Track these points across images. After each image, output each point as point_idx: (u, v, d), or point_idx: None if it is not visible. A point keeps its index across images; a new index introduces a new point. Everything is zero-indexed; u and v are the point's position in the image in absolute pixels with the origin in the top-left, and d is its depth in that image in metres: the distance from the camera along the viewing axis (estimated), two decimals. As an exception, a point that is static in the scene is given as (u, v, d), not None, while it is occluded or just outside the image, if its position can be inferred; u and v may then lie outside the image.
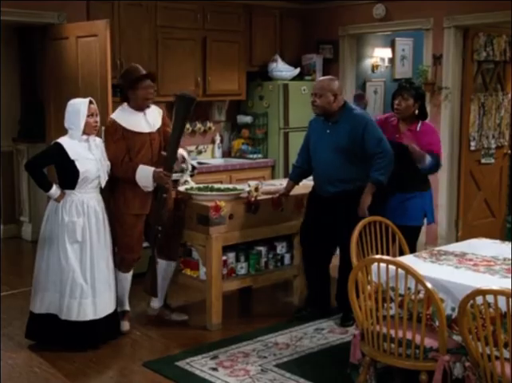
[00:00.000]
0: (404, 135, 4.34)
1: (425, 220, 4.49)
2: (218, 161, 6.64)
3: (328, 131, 4.34)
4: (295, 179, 4.63)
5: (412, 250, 4.08)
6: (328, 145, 4.31)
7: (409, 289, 2.97)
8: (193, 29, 6.20)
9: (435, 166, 4.34)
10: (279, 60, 6.72)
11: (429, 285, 2.81)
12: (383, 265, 2.94)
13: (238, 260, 4.58)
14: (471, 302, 2.62)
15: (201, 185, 4.71)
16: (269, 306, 4.98)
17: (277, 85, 6.64)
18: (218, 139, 6.82)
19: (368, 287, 3.13)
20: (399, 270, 2.92)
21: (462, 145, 6.31)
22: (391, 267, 2.96)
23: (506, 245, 3.78)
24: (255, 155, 6.69)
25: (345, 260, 4.45)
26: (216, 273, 4.35)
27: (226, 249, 4.44)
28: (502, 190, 6.93)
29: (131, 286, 4.41)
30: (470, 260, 3.39)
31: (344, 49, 6.97)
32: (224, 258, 4.45)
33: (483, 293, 2.56)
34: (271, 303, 5.06)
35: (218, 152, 6.81)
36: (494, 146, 6.62)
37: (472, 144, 6.36)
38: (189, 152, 6.54)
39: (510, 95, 6.75)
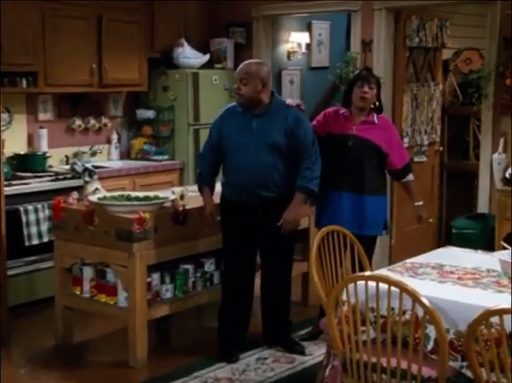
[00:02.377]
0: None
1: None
2: (116, 164, 6.37)
3: (254, 125, 4.19)
4: (211, 185, 4.41)
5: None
6: (258, 142, 4.17)
7: (393, 309, 2.91)
8: (85, 6, 5.90)
9: None
10: (185, 44, 6.57)
11: (427, 302, 2.76)
12: (371, 283, 2.86)
13: (163, 282, 4.43)
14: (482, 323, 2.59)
15: (115, 194, 4.46)
16: (196, 334, 4.88)
17: (184, 74, 6.49)
18: (114, 138, 6.55)
19: (344, 308, 3.04)
20: (383, 288, 2.84)
21: (395, 142, 6.43)
22: (373, 285, 2.88)
23: (480, 254, 3.89)
24: (160, 157, 6.52)
25: (283, 282, 4.41)
26: (141, 298, 4.20)
27: (149, 269, 4.28)
28: (434, 191, 7.14)
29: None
30: (452, 273, 3.42)
31: (258, 32, 6.94)
32: (148, 279, 4.25)
33: (499, 313, 2.53)
34: (198, 330, 4.96)
35: (115, 153, 6.55)
36: (426, 142, 6.80)
37: (405, 140, 6.49)
38: (82, 154, 6.24)
39: (441, 85, 6.96)
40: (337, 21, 7.92)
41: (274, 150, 4.17)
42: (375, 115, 4.44)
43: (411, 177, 4.53)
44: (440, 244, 7.09)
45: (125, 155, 6.67)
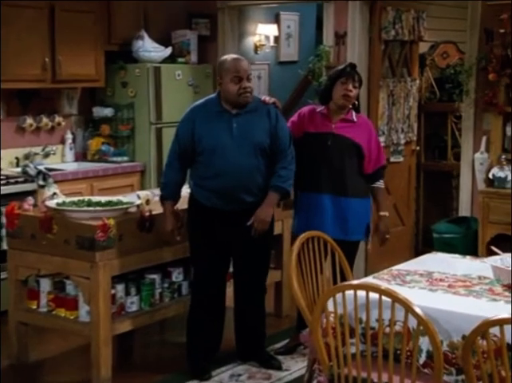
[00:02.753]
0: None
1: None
2: (71, 166, 6.28)
3: (234, 125, 4.15)
4: (176, 198, 4.31)
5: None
6: (241, 143, 4.13)
7: (381, 320, 2.90)
8: (37, -5, 5.80)
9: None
10: (146, 37, 6.51)
11: (421, 313, 2.75)
12: (360, 293, 2.85)
13: (128, 293, 4.38)
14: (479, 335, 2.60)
15: (75, 199, 4.39)
16: (163, 349, 4.84)
17: (145, 69, 6.43)
18: (69, 138, 6.45)
19: (326, 320, 3.03)
20: (371, 297, 2.83)
21: (371, 141, 6.46)
22: (362, 295, 2.87)
23: (469, 259, 3.92)
24: (119, 158, 6.45)
25: (259, 292, 4.39)
26: (104, 312, 4.13)
27: (112, 280, 4.22)
28: (411, 193, 7.18)
29: None
30: (442, 280, 3.44)
31: (223, 24, 6.93)
32: (112, 291, 4.21)
33: (499, 323, 2.54)
34: (164, 345, 4.93)
35: (69, 155, 6.45)
36: (403, 142, 6.84)
37: (381, 139, 6.50)
38: (34, 155, 6.13)
39: (417, 81, 7.00)
40: (306, 13, 7.94)
41: (258, 151, 4.15)
42: (353, 113, 4.44)
43: (380, 184, 4.51)
44: (418, 249, 7.17)
45: (81, 156, 6.56)
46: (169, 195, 4.26)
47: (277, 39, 7.79)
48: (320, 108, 4.47)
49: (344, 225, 4.34)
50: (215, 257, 4.24)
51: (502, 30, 5.40)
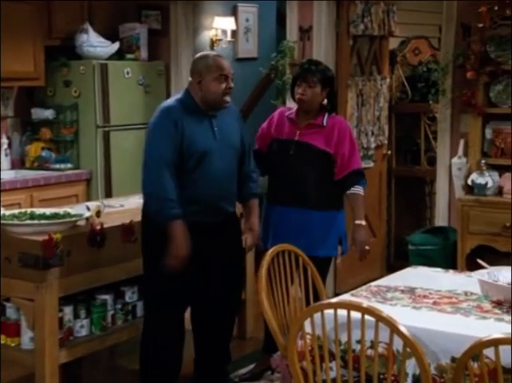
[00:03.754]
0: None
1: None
2: (7, 174, 6.20)
3: (215, 128, 4.12)
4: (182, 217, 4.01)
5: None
6: (222, 147, 4.11)
7: (358, 342, 2.92)
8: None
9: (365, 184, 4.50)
10: (90, 30, 6.48)
11: (407, 333, 2.77)
12: (340, 311, 2.85)
13: (76, 316, 4.34)
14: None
15: (15, 211, 4.34)
16: (112, 377, 4.86)
17: (90, 66, 6.40)
18: (4, 142, 6.37)
19: (303, 342, 3.04)
20: (354, 317, 2.84)
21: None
22: (342, 314, 2.88)
23: (452, 274, 3.99)
24: (62, 165, 6.40)
25: (231, 314, 4.38)
26: (51, 337, 4.08)
27: (59, 301, 4.16)
28: (382, 201, 7.23)
29: None
30: (425, 297, 3.47)
31: (176, 17, 6.93)
32: (59, 314, 4.18)
33: (494, 343, 2.56)
34: (113, 372, 4.95)
35: (5, 162, 6.36)
36: (373, 145, 6.90)
37: (351, 143, 6.54)
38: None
39: (388, 80, 7.07)
40: (266, 5, 7.98)
41: (235, 154, 4.20)
42: (325, 116, 4.46)
43: (356, 190, 4.46)
44: (390, 262, 7.23)
45: (18, 163, 6.49)
46: (177, 214, 3.94)
47: (234, 33, 7.80)
48: (288, 112, 4.51)
49: (308, 240, 4.34)
50: (185, 275, 4.10)
51: (480, 25, 5.45)
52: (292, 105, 4.70)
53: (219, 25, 7.58)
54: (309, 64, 4.49)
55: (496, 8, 5.34)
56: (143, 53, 6.79)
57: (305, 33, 6.32)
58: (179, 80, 6.90)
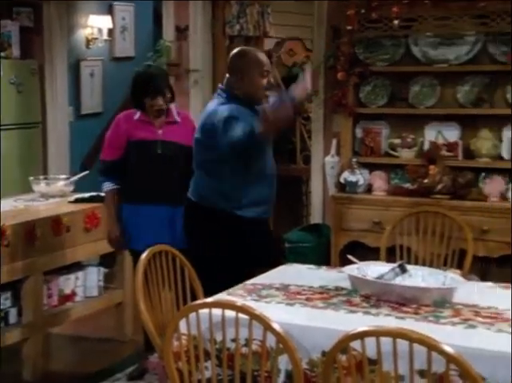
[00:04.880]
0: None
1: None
2: None
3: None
4: None
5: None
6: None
7: (234, 340, 2.96)
8: None
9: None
10: (-43, 27, 6.27)
11: (280, 330, 2.83)
12: (215, 311, 2.89)
13: None
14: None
15: None
16: None
17: (-42, 65, 6.19)
18: None
19: (177, 343, 3.06)
20: (229, 315, 2.89)
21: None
22: (217, 313, 2.92)
23: (325, 270, 4.02)
24: None
25: None
26: None
27: None
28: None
29: None
30: (299, 293, 3.51)
31: (49, 14, 6.87)
32: None
33: (360, 336, 2.65)
34: None
35: None
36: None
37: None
38: None
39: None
40: (142, 4, 7.94)
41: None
42: (174, 111, 4.55)
43: None
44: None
45: None
46: None
47: (111, 32, 7.72)
48: (137, 115, 4.51)
49: (177, 234, 4.36)
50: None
51: (349, 27, 5.58)
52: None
53: (95, 24, 7.48)
54: (153, 75, 4.55)
55: (363, 11, 5.47)
56: (15, 50, 6.66)
57: (181, 32, 6.33)
58: (54, 80, 6.80)
